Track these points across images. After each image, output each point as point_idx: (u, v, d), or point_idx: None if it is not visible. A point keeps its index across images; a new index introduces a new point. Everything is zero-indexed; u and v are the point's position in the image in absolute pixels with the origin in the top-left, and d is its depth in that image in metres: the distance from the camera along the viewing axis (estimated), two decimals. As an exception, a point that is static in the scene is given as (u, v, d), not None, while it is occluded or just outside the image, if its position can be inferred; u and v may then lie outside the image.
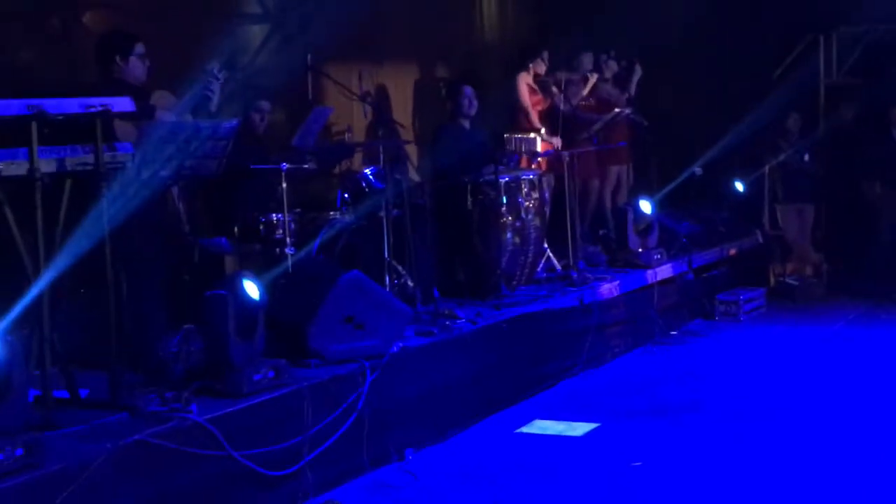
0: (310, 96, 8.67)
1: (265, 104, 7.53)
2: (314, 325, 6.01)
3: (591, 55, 10.35)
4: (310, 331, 5.99)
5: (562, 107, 9.68)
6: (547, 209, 8.71)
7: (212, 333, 5.51)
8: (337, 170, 8.53)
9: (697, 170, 10.74)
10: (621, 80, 10.64)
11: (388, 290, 7.03)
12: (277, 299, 6.01)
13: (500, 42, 11.48)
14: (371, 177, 7.78)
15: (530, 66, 9.67)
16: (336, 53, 8.94)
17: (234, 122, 5.85)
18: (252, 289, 5.62)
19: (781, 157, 11.17)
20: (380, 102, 9.46)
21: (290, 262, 6.62)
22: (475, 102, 8.63)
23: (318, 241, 7.14)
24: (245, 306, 5.57)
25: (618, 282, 8.85)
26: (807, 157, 11.26)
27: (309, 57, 8.46)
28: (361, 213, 7.53)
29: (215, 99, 6.22)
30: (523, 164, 9.07)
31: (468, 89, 8.62)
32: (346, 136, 8.94)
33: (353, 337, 6.11)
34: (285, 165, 6.75)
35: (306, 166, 7.23)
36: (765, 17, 11.75)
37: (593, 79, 10.03)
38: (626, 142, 10.26)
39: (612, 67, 10.62)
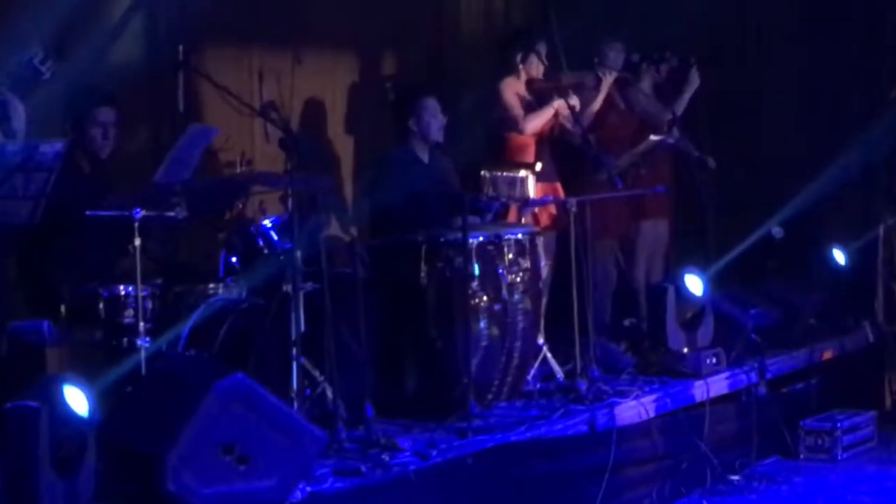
0: (181, 108, 8.69)
1: (109, 113, 7.56)
2: (175, 456, 5.97)
3: (620, 47, 10.29)
4: (168, 466, 5.95)
5: (570, 128, 9.74)
6: (543, 286, 8.74)
7: (15, 466, 5.49)
8: (226, 217, 8.53)
9: (776, 230, 10.82)
10: (667, 92, 10.66)
11: (292, 404, 7.04)
12: (121, 417, 6.03)
13: (483, 28, 11.54)
14: (272, 231, 7.83)
15: (521, 66, 9.69)
16: (224, 42, 8.98)
17: (60, 144, 5.88)
18: (79, 400, 5.62)
19: (903, 214, 11.31)
20: (291, 118, 9.49)
21: (143, 358, 6.62)
22: (441, 120, 8.68)
23: (188, 327, 7.15)
24: (68, 426, 5.57)
25: (651, 398, 8.89)
26: (942, 214, 11.39)
27: (181, 48, 8.48)
28: (256, 286, 7.57)
29: (21, 110, 6.24)
30: (510, 216, 9.13)
31: (430, 102, 8.69)
32: (239, 168, 8.94)
33: (235, 476, 6.10)
34: (140, 212, 6.77)
35: (173, 213, 7.24)
36: (876, 15, 11.90)
37: (609, 78, 9.91)
38: (669, 186, 10.30)
39: (652, 75, 10.63)
